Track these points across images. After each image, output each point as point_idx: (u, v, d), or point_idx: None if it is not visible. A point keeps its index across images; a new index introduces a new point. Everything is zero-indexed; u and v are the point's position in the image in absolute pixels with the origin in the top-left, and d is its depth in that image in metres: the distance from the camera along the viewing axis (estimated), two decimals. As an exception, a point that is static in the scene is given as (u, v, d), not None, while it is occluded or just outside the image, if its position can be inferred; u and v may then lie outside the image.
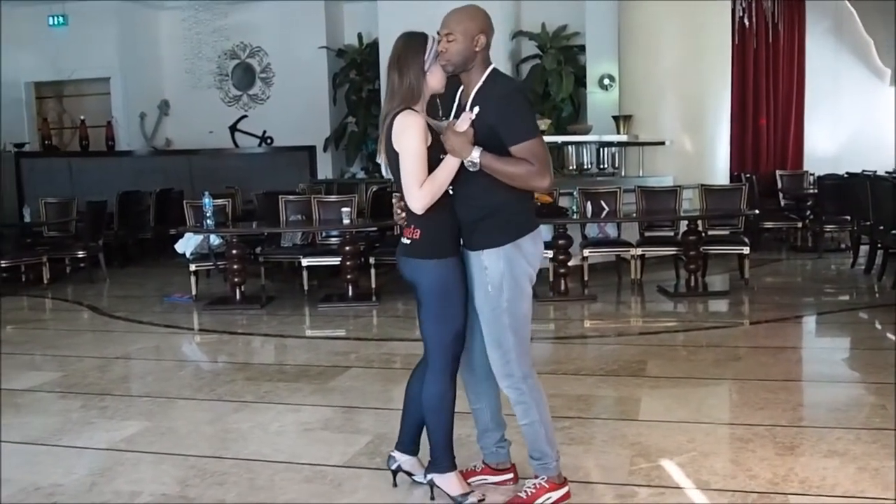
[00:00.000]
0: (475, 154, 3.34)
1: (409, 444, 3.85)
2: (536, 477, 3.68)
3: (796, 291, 9.46)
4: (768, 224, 12.13)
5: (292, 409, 5.24)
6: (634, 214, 9.46)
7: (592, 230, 9.61)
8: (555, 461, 3.67)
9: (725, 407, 5.41)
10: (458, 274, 3.56)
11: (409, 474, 3.88)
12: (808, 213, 12.09)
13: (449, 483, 3.72)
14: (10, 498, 3.96)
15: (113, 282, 11.01)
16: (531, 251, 3.55)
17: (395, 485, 3.90)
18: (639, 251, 9.32)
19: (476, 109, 3.40)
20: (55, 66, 14.86)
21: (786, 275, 10.84)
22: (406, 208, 3.53)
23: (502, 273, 3.47)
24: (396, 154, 3.43)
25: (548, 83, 13.63)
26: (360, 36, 14.89)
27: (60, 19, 14.59)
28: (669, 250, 9.49)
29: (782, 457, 4.18)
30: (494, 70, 3.50)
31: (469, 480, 3.85)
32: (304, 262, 9.09)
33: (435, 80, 3.47)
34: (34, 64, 15.07)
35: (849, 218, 10.96)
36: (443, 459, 3.71)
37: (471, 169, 3.39)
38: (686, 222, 9.05)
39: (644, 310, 8.68)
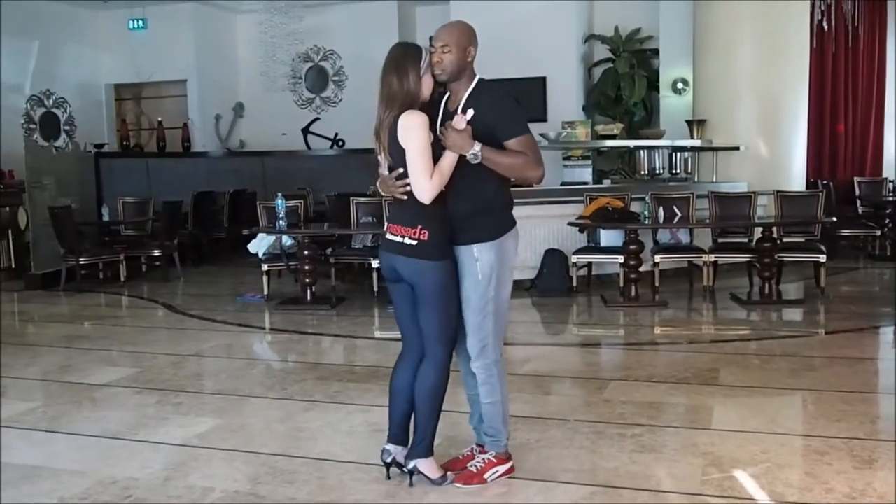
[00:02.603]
0: (476, 147, 3.66)
1: (401, 435, 4.01)
2: (485, 452, 4.03)
3: (874, 301, 9.23)
4: (845, 232, 11.81)
5: (362, 410, 5.27)
6: (707, 220, 9.34)
7: (664, 236, 9.51)
8: (505, 440, 4.04)
9: (800, 418, 5.31)
10: (454, 274, 3.83)
11: (401, 466, 4.00)
12: (888, 220, 11.76)
13: (430, 467, 3.93)
14: (88, 490, 4.06)
15: (187, 280, 11.22)
16: (512, 246, 3.91)
17: (388, 477, 4.04)
18: (711, 258, 9.19)
19: (470, 112, 3.73)
20: (134, 68, 15.17)
21: (863, 284, 10.59)
22: (408, 206, 3.76)
23: (492, 264, 3.81)
24: (402, 150, 3.69)
25: (620, 87, 13.51)
26: (431, 39, 14.91)
27: (140, 23, 14.88)
28: (743, 257, 9.32)
29: (860, 471, 4.08)
30: (481, 80, 3.87)
31: (469, 465, 4.08)
32: (375, 263, 9.07)
33: (426, 88, 3.77)
34: (114, 66, 15.42)
35: (930, 226, 10.66)
36: (427, 445, 3.92)
37: (472, 161, 3.69)
38: (760, 229, 8.89)
39: (716, 317, 8.56)
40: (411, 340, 3.95)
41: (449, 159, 3.69)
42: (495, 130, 3.72)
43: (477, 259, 3.79)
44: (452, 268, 3.80)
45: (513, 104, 3.85)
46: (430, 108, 3.81)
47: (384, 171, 3.87)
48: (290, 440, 4.81)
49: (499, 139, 3.72)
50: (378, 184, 3.99)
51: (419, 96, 3.74)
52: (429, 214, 3.71)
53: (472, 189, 3.77)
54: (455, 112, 3.78)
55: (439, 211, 3.73)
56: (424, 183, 3.64)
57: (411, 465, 3.92)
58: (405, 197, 3.75)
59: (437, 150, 3.70)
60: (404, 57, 3.76)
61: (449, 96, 3.91)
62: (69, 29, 14.42)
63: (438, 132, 3.72)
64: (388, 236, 3.83)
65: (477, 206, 3.80)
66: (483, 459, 3.99)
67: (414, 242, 3.72)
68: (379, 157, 3.88)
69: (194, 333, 8.06)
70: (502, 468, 3.99)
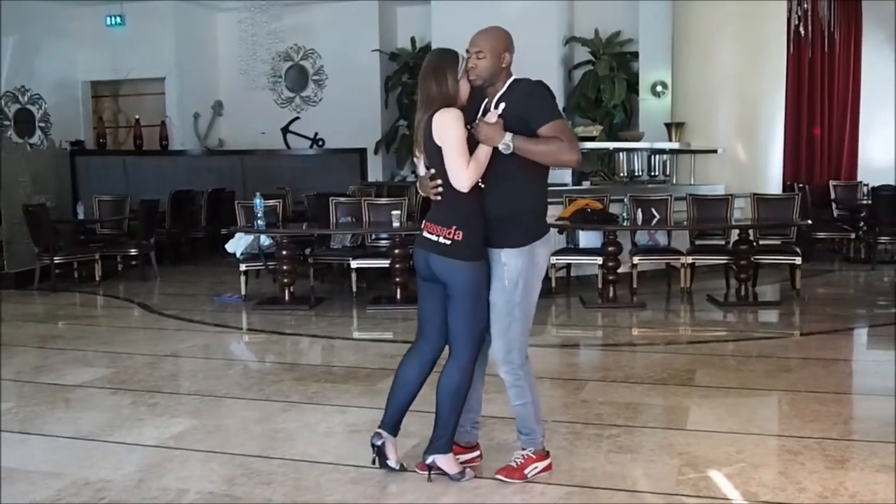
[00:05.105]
0: (507, 137, 3.71)
1: (393, 425, 4.10)
2: (524, 449, 4.06)
3: (849, 303, 9.31)
4: (821, 234, 11.92)
5: (340, 411, 5.26)
6: (685, 222, 9.39)
7: (642, 237, 9.55)
8: (541, 437, 4.09)
9: (775, 418, 5.34)
10: (485, 275, 3.90)
11: (385, 457, 4.07)
12: (862, 224, 11.89)
13: (450, 463, 4.01)
14: (61, 491, 4.02)
15: (164, 280, 11.15)
16: (543, 253, 3.96)
17: (373, 461, 4.09)
18: (689, 259, 9.22)
19: (502, 105, 3.82)
20: (112, 65, 15.07)
21: (838, 286, 10.68)
22: (444, 206, 3.85)
23: (519, 270, 3.86)
24: (438, 148, 3.78)
25: (600, 89, 13.57)
26: (412, 39, 14.94)
27: (118, 19, 14.79)
28: (720, 259, 9.39)
29: (832, 470, 4.12)
30: (515, 79, 3.93)
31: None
32: (354, 264, 9.10)
33: (463, 92, 3.86)
34: (91, 63, 15.29)
35: (903, 229, 10.76)
36: (447, 441, 4.00)
37: (505, 152, 3.73)
38: (737, 231, 8.95)
39: (693, 319, 8.60)
40: (428, 338, 4.03)
41: (484, 150, 3.76)
42: (527, 119, 3.76)
43: (505, 264, 3.85)
44: (485, 269, 3.88)
45: (542, 92, 3.85)
46: (467, 112, 3.88)
47: (421, 171, 3.99)
48: (266, 441, 4.79)
49: (532, 128, 3.75)
50: (417, 184, 4.11)
51: (457, 99, 3.83)
52: (464, 215, 3.80)
53: (507, 192, 3.83)
54: (489, 108, 3.87)
55: (475, 212, 3.81)
56: (462, 172, 3.73)
57: (430, 460, 3.99)
58: (439, 198, 3.85)
59: (472, 145, 3.76)
60: (441, 62, 3.85)
61: (487, 99, 3.96)
62: (46, 24, 14.29)
63: (472, 128, 3.77)
64: (425, 234, 3.91)
65: (510, 210, 3.85)
66: (522, 455, 4.04)
67: (448, 242, 3.81)
68: (415, 159, 4.02)
69: (170, 333, 8.02)
70: (541, 464, 4.04)
